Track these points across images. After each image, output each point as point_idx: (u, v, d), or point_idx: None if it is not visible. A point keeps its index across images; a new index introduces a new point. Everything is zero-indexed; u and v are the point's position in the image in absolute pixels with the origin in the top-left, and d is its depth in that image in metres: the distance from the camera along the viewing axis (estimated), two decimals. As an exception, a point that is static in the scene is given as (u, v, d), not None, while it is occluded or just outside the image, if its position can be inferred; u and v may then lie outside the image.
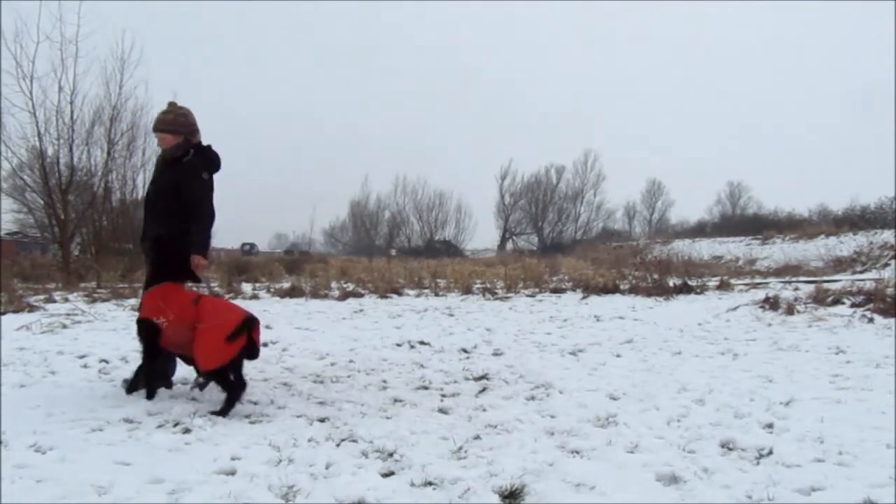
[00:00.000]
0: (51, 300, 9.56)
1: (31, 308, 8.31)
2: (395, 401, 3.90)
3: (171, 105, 4.17)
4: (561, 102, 79.12)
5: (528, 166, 64.17)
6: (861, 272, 16.75)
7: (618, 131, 74.12)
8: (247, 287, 12.69)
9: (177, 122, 4.05)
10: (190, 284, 4.12)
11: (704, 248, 27.41)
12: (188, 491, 2.40)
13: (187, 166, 4.03)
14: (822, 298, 8.48)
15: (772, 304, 8.39)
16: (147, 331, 3.80)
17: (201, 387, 3.93)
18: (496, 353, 5.69)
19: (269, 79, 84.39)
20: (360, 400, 3.88)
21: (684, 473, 2.60)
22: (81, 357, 5.12)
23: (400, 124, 78.87)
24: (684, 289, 11.08)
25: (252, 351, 3.73)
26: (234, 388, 3.66)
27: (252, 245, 44.75)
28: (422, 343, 6.21)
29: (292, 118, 76.04)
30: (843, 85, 74.70)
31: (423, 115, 79.50)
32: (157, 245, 3.94)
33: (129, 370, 4.70)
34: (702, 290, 11.19)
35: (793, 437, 3.13)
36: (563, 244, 45.66)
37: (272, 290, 12.17)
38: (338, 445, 3.01)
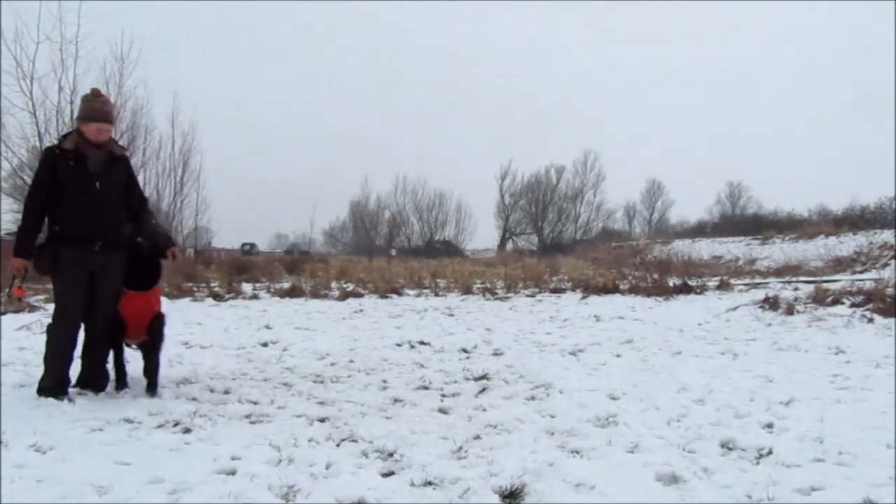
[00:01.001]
0: (51, 300, 9.56)
1: (31, 308, 8.31)
2: (395, 401, 3.91)
3: (100, 92, 4.00)
4: (561, 102, 79.21)
5: (528, 166, 64.09)
6: (861, 272, 16.74)
7: (618, 131, 74.24)
8: (247, 287, 12.68)
9: (115, 115, 4.03)
10: None
11: (704, 248, 27.36)
12: (188, 491, 2.40)
13: (128, 162, 4.09)
14: (821, 298, 8.47)
15: (771, 304, 8.38)
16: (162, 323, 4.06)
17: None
18: (496, 353, 5.69)
19: (269, 79, 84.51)
20: (360, 400, 3.88)
21: (684, 473, 2.60)
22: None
23: (400, 124, 78.95)
24: (684, 289, 11.06)
25: None
26: None
27: (252, 245, 44.79)
28: (422, 343, 6.21)
29: (292, 118, 76.15)
30: (844, 85, 74.80)
31: (423, 115, 79.60)
32: (130, 244, 3.92)
33: (128, 370, 4.70)
34: (702, 290, 11.18)
35: (793, 436, 3.12)
36: (563, 244, 45.69)
37: (272, 290, 12.17)
38: (338, 445, 3.01)
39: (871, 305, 7.70)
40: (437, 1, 78.12)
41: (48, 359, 3.79)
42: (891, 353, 5.35)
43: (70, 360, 3.83)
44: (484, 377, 4.60)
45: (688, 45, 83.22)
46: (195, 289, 11.90)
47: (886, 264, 17.24)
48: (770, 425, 3.32)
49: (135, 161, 20.61)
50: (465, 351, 5.82)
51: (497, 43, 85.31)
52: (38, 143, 16.54)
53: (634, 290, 11.30)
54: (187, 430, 3.19)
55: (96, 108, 3.85)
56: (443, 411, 3.67)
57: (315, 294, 11.43)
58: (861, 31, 77.09)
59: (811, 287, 9.54)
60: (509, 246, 49.73)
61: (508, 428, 3.29)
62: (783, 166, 66.04)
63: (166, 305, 9.60)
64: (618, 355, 5.57)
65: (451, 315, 8.83)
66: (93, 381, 3.92)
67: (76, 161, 3.77)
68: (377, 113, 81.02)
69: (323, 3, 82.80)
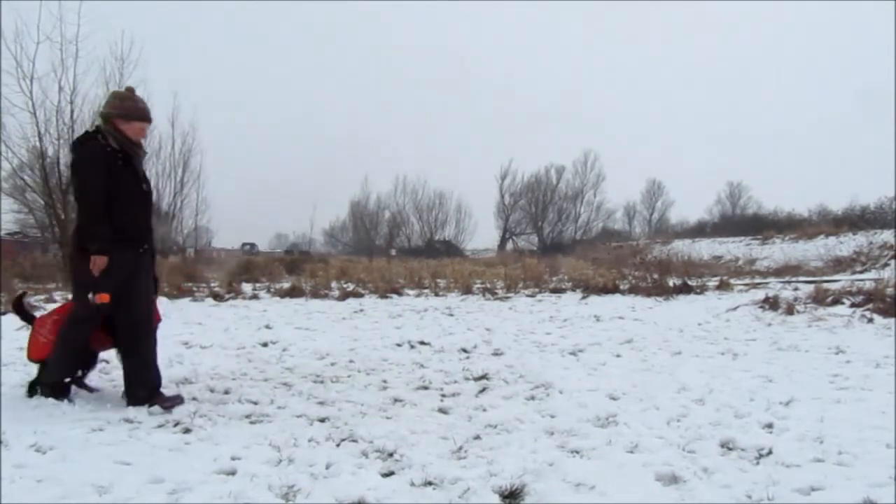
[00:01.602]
0: (51, 300, 9.57)
1: (32, 308, 8.31)
2: (395, 401, 3.91)
3: (134, 90, 3.89)
4: (561, 102, 79.26)
5: (528, 166, 64.17)
6: (861, 272, 16.75)
7: (618, 131, 74.25)
8: (247, 287, 12.69)
9: None
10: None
11: (704, 248, 27.39)
12: (188, 491, 2.40)
13: None
14: (821, 298, 8.48)
15: (771, 304, 8.38)
16: None
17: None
18: (496, 353, 5.69)
19: (268, 79, 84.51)
20: (360, 400, 3.88)
21: (684, 473, 2.60)
22: (81, 357, 5.11)
23: (400, 124, 78.98)
24: (684, 289, 11.08)
25: None
26: None
27: (252, 245, 44.79)
28: (422, 343, 6.21)
29: (292, 118, 76.18)
30: (844, 85, 74.76)
31: (423, 115, 79.61)
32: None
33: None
34: (702, 290, 11.19)
35: (793, 436, 3.12)
36: (563, 244, 45.67)
37: (272, 290, 12.18)
38: (338, 445, 3.01)
39: (871, 305, 7.70)
40: (437, 1, 78.15)
41: (61, 357, 3.67)
42: (891, 353, 5.35)
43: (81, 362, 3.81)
44: (484, 377, 4.60)
45: (688, 45, 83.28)
46: (195, 289, 11.91)
47: (886, 264, 17.26)
48: (770, 425, 3.32)
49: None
50: (465, 351, 5.82)
51: (497, 43, 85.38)
52: (38, 143, 16.53)
53: (634, 290, 11.31)
54: (187, 430, 3.19)
55: (140, 106, 3.74)
56: (443, 411, 3.67)
57: (315, 294, 11.43)
58: (861, 31, 77.13)
59: (811, 287, 9.54)
60: (509, 246, 49.74)
61: (508, 428, 3.29)
62: (783, 166, 66.08)
63: (166, 305, 9.61)
64: (618, 355, 5.57)
65: (451, 315, 8.83)
66: (142, 384, 3.69)
67: (124, 161, 3.63)
68: (377, 113, 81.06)
69: (323, 3, 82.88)
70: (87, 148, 3.61)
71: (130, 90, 3.84)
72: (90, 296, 3.55)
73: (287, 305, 9.99)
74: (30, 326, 3.86)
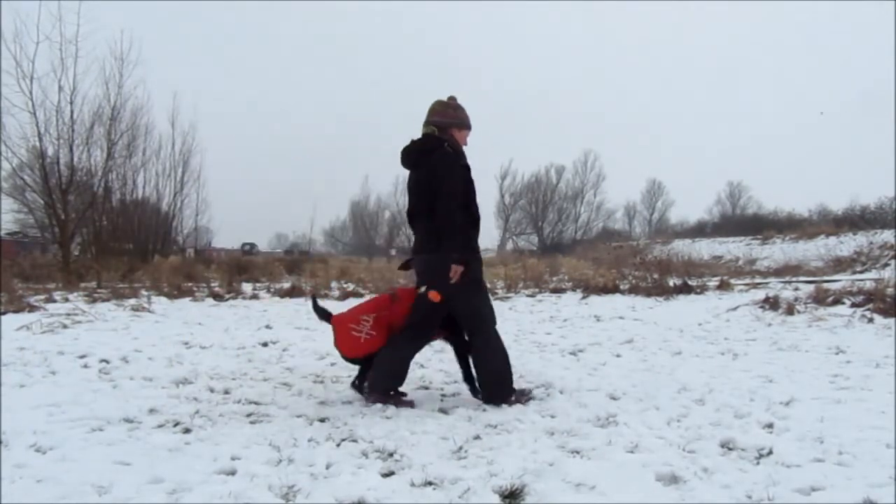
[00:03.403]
0: (51, 300, 9.57)
1: (32, 308, 8.32)
2: (395, 401, 3.90)
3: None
4: (561, 102, 79.20)
5: (528, 166, 64.35)
6: (861, 272, 16.76)
7: (618, 131, 74.18)
8: (247, 287, 12.70)
9: None
10: None
11: (704, 248, 27.42)
12: (188, 491, 2.40)
13: None
14: (822, 298, 8.48)
15: (772, 304, 8.38)
16: None
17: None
18: (496, 353, 5.67)
19: (268, 78, 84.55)
20: (359, 399, 3.87)
21: (684, 473, 2.60)
22: (81, 357, 5.12)
23: (400, 124, 78.90)
24: (684, 289, 11.08)
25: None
26: None
27: (252, 245, 44.77)
28: (422, 343, 6.20)
29: (292, 117, 76.18)
30: (844, 84, 74.71)
31: (423, 115, 79.43)
32: None
33: (129, 370, 4.71)
34: (702, 290, 11.19)
35: (793, 437, 3.12)
36: (563, 244, 45.68)
37: (272, 290, 12.18)
38: (338, 445, 3.01)
39: (871, 305, 7.69)
40: (436, 1, 78.15)
41: (394, 362, 3.70)
42: (891, 353, 5.35)
43: None
44: (484, 377, 4.59)
45: (688, 45, 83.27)
46: (195, 289, 11.92)
47: (886, 264, 17.28)
48: (770, 425, 3.32)
49: (135, 161, 20.71)
50: (465, 351, 5.80)
51: (497, 43, 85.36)
52: (38, 143, 16.55)
53: (634, 290, 11.31)
54: (187, 430, 3.19)
55: (468, 115, 3.81)
56: (443, 411, 3.67)
57: (315, 294, 11.44)
58: (861, 32, 77.08)
59: (811, 287, 9.54)
60: (509, 246, 49.74)
61: (508, 428, 3.29)
62: (783, 166, 66.10)
63: (166, 305, 9.61)
64: (618, 355, 5.57)
65: (451, 315, 8.81)
66: (500, 383, 3.84)
67: (467, 170, 3.71)
68: (377, 113, 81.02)
69: (322, 3, 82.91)
70: (453, 156, 3.63)
71: (454, 99, 3.82)
72: (425, 289, 3.59)
73: (287, 305, 9.99)
74: (328, 323, 3.82)
